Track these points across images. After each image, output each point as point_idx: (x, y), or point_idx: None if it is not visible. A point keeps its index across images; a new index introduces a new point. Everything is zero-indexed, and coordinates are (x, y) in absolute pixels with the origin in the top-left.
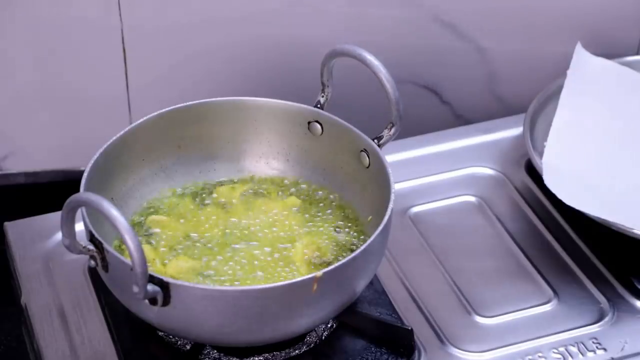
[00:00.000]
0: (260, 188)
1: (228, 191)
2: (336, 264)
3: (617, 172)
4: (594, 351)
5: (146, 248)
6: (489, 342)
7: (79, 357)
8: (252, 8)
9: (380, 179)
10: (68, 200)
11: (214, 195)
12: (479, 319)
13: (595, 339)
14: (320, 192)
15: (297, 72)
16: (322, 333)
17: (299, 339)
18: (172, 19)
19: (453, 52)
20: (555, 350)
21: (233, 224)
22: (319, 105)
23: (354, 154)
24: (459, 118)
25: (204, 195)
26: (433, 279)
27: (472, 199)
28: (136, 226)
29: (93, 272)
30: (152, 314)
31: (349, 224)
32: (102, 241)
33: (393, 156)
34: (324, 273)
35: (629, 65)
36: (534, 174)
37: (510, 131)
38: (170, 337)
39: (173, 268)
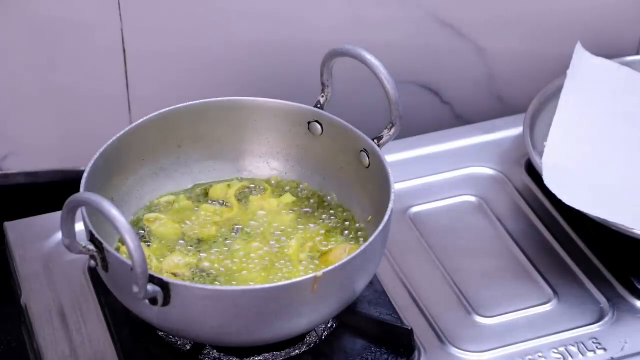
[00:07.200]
0: (256, 186)
1: (224, 189)
2: (336, 264)
3: (618, 172)
4: (594, 351)
5: (143, 246)
6: (489, 342)
7: (79, 357)
8: (252, 8)
9: (380, 179)
10: (68, 201)
11: (210, 193)
12: (479, 319)
13: (595, 339)
14: (320, 192)
15: (297, 72)
16: (322, 333)
17: (299, 339)
18: (172, 19)
19: (453, 52)
20: (555, 350)
21: (229, 221)
22: (319, 105)
23: (354, 154)
24: (459, 118)
25: (201, 193)
26: (433, 279)
27: (472, 199)
28: (135, 225)
29: (93, 272)
30: (152, 314)
31: (349, 224)
32: (102, 241)
33: (393, 156)
34: (324, 273)
35: (629, 65)
36: (534, 174)
37: (510, 131)
38: (170, 337)
39: (168, 264)
